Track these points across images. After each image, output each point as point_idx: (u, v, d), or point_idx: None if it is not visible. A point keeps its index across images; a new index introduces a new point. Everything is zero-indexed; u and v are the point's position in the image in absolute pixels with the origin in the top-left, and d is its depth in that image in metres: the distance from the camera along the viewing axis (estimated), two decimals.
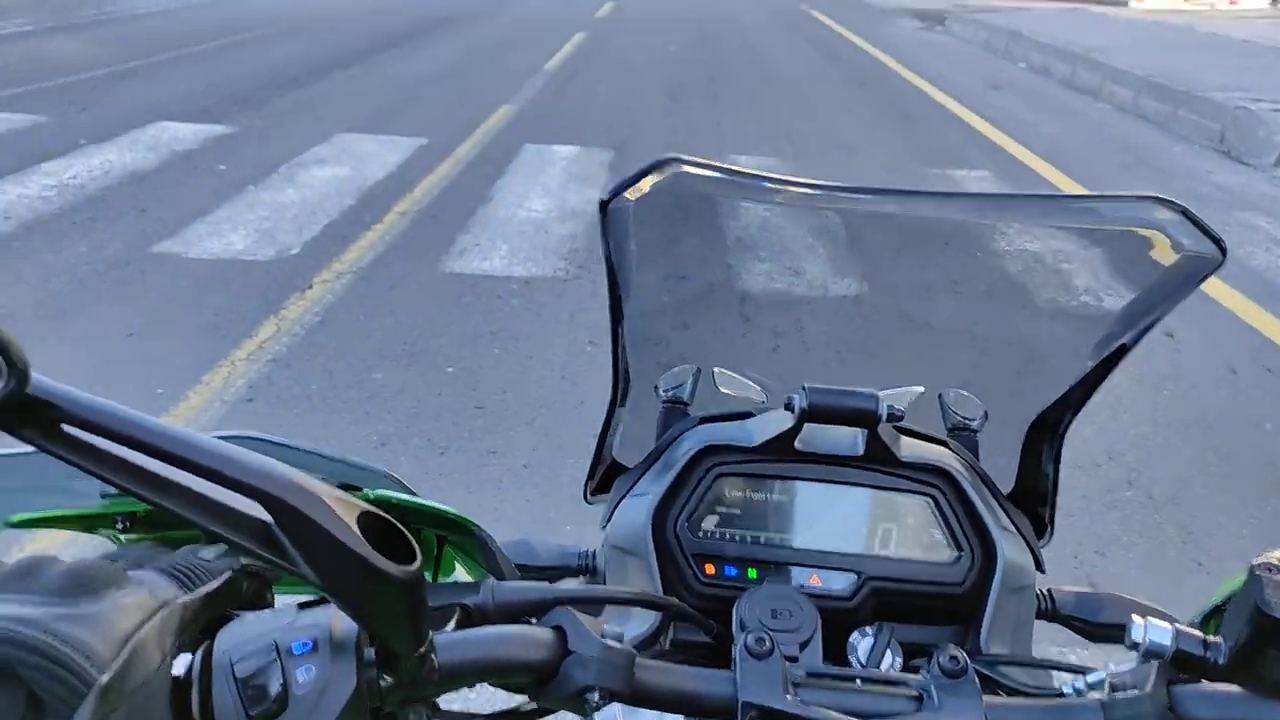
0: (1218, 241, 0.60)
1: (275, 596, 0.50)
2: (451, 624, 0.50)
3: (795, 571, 0.67)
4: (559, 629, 0.48)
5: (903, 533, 0.67)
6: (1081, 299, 3.51)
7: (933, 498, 0.66)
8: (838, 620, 0.64)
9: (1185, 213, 0.61)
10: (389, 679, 0.42)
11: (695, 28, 14.19)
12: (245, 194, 5.06)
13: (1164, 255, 0.63)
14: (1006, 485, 0.76)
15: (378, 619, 0.39)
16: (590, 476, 0.77)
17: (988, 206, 0.71)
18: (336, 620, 0.42)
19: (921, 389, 0.73)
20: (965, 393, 0.76)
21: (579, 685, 0.46)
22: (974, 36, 14.02)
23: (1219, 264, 0.61)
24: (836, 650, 0.63)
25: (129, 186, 5.13)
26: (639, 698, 0.48)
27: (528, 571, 0.69)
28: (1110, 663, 0.52)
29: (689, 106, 8.15)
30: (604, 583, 0.68)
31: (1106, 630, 0.70)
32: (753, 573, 0.67)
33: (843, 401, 0.62)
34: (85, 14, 13.02)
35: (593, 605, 0.57)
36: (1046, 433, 0.75)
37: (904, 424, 0.65)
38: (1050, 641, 0.87)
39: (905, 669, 0.63)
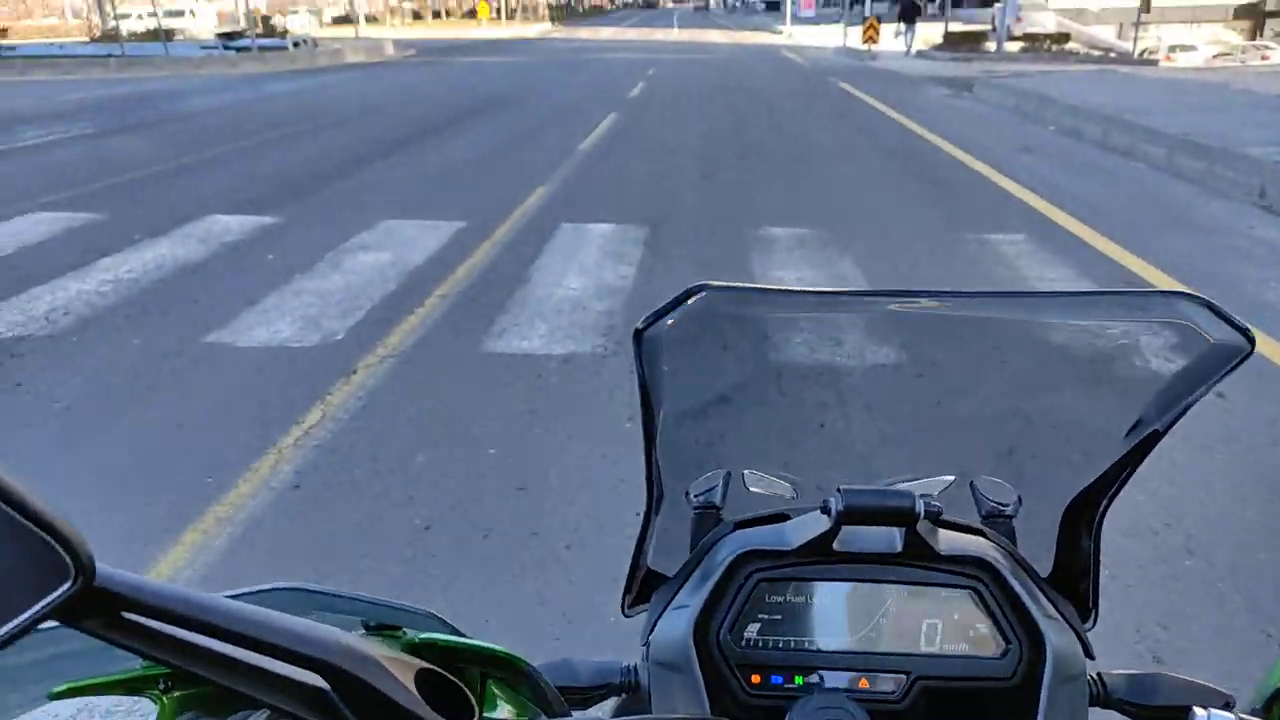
0: (1244, 331, 0.60)
1: None
2: None
3: (843, 676, 0.67)
4: None
5: (948, 628, 0.66)
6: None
7: (975, 590, 0.66)
8: None
9: (1210, 306, 0.61)
10: None
11: (725, 104, 14.49)
12: (292, 282, 5.21)
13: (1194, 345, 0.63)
14: (1045, 569, 0.75)
15: None
16: (628, 590, 0.77)
17: (1016, 304, 0.71)
18: None
19: (953, 477, 0.73)
20: (997, 480, 0.75)
21: None
22: (1002, 102, 14.13)
23: (1247, 354, 0.61)
24: None
25: (181, 279, 5.31)
26: None
27: (570, 694, 0.68)
28: None
29: (721, 182, 8.28)
30: (648, 700, 0.67)
31: (1163, 714, 0.67)
32: (799, 679, 0.67)
33: (879, 502, 0.62)
34: (142, 115, 13.69)
35: None
36: (1084, 515, 0.75)
37: (940, 516, 0.65)
38: None
39: None
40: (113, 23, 26.58)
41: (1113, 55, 25.27)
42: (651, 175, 8.59)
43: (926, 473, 0.74)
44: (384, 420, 3.51)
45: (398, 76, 21.20)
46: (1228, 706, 0.63)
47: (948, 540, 0.66)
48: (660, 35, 44.34)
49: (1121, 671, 0.69)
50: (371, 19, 57.24)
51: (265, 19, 36.76)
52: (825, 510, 0.63)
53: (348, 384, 3.83)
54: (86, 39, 30.62)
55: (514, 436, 3.38)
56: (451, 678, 0.37)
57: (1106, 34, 30.66)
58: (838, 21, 38.93)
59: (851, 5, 34.21)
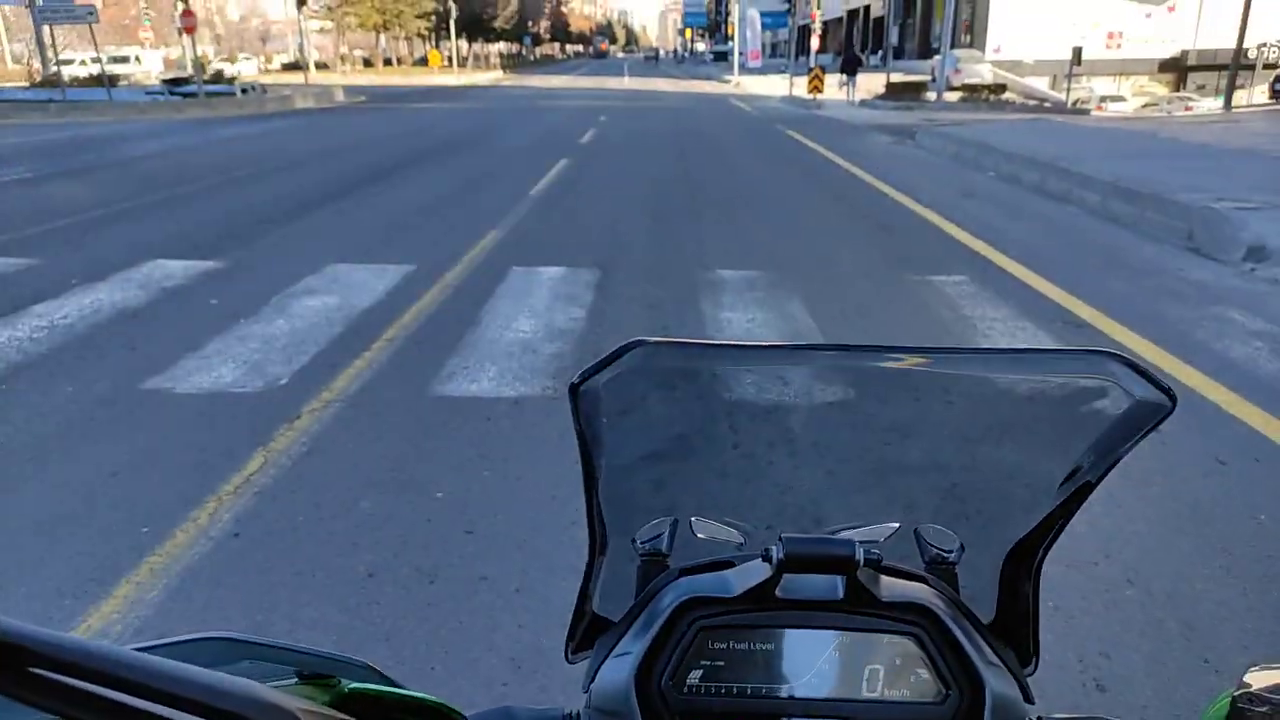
0: (1167, 391, 0.62)
1: None
2: None
3: None
4: None
5: (889, 674, 0.66)
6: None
7: (916, 636, 0.66)
8: None
9: (1133, 365, 0.63)
10: None
11: (675, 150, 14.71)
12: (236, 327, 5.12)
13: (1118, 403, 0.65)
14: (988, 616, 0.76)
15: None
16: (571, 636, 0.76)
17: (955, 361, 0.72)
18: None
19: (897, 524, 0.74)
20: (939, 527, 0.76)
21: None
22: (943, 149, 14.54)
23: (1169, 411, 0.63)
24: None
25: (119, 324, 5.19)
26: None
27: None
28: None
29: (671, 226, 8.37)
30: None
31: None
32: None
33: (819, 550, 0.62)
34: (84, 159, 13.46)
35: None
36: (1024, 562, 0.76)
37: (883, 562, 0.65)
38: None
39: None
40: (54, 68, 26.15)
41: (1047, 105, 26.23)
42: (602, 219, 8.66)
43: (872, 519, 0.74)
44: (328, 466, 3.45)
45: (348, 122, 21.20)
46: None
47: (889, 587, 0.67)
48: (612, 84, 45.03)
49: (1062, 716, 0.69)
50: (322, 65, 57.28)
51: (216, 69, 36.61)
52: (766, 558, 0.63)
53: (291, 429, 3.76)
54: (26, 84, 30.10)
55: (462, 479, 3.33)
56: None
57: (1041, 85, 31.84)
58: (784, 72, 40.01)
59: (797, 57, 35.15)
